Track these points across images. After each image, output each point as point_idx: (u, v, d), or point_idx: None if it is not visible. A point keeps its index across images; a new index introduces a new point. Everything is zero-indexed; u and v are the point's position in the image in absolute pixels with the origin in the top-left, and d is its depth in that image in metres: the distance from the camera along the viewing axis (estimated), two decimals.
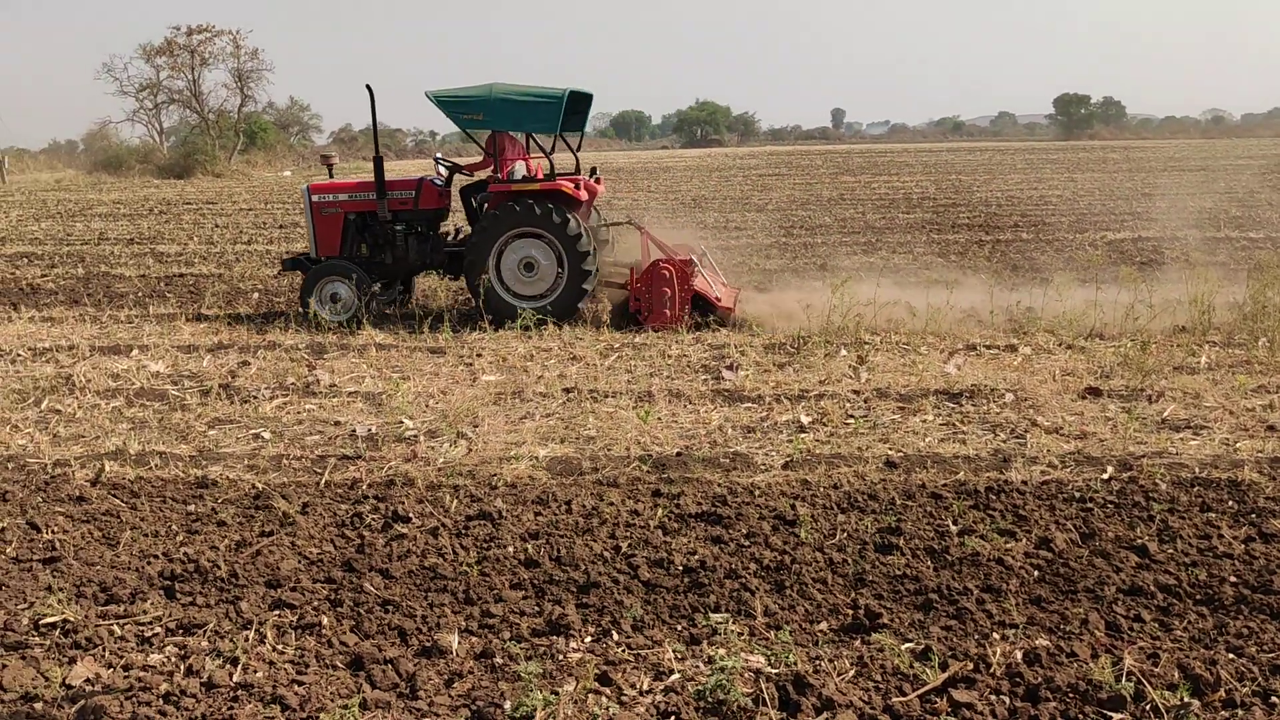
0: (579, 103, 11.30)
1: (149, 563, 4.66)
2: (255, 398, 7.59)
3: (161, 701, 3.52)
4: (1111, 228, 18.52)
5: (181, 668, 3.76)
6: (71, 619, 4.11)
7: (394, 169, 59.25)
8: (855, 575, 4.44)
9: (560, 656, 3.81)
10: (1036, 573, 4.43)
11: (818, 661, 3.72)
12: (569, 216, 10.10)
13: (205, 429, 6.88)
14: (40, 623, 4.09)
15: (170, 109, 56.38)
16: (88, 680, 3.67)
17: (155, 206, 27.94)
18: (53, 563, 4.66)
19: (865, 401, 7.24)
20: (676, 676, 3.63)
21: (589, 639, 3.95)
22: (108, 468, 5.97)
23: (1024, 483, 5.52)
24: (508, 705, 3.45)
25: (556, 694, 3.50)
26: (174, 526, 5.14)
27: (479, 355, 8.90)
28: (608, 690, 3.57)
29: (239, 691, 3.59)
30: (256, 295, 12.56)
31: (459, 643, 3.90)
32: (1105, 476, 5.60)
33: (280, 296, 12.41)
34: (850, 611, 4.11)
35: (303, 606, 4.23)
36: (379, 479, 5.80)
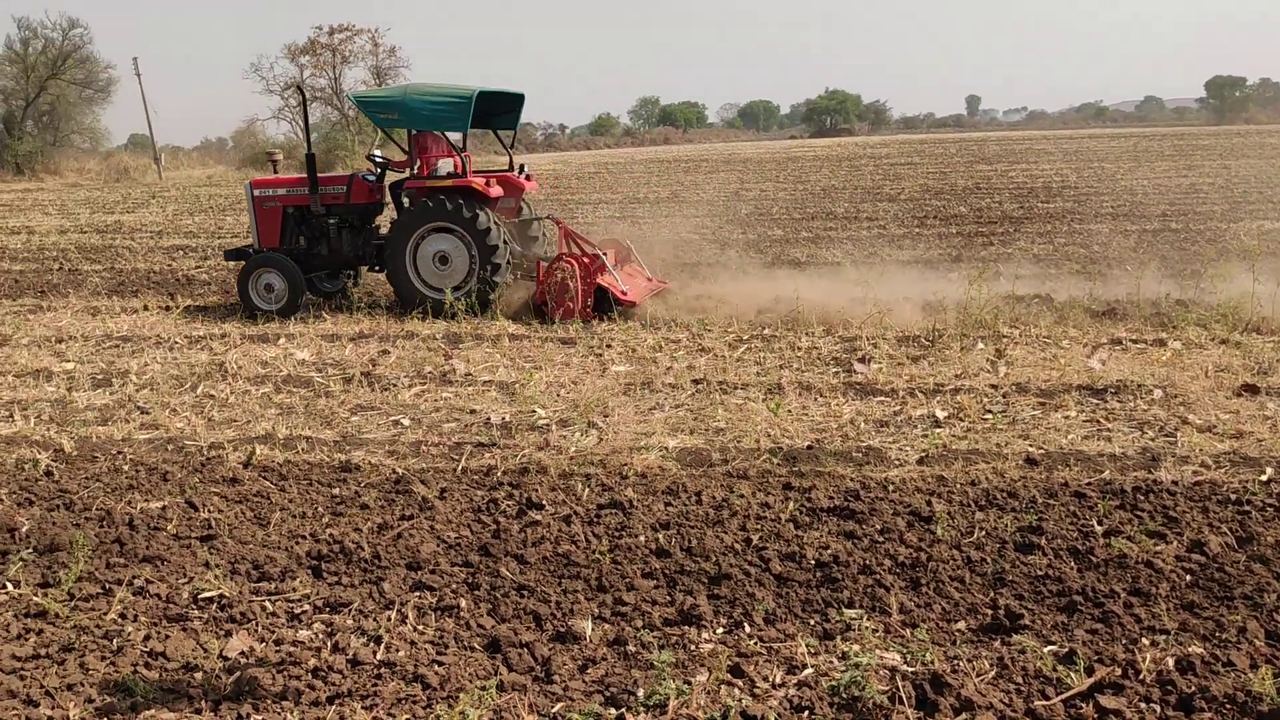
0: (509, 102, 11.82)
1: (297, 543, 4.86)
2: (395, 385, 7.82)
3: (310, 676, 3.66)
4: (1270, 216, 17.55)
5: (328, 644, 3.91)
6: (227, 594, 4.32)
7: (525, 161, 60.22)
8: (994, 574, 4.33)
9: (692, 647, 3.82)
10: (1189, 577, 4.24)
11: (956, 661, 3.64)
12: (479, 212, 10.41)
13: (348, 415, 7.12)
14: (199, 597, 4.31)
15: (313, 106, 58.47)
16: (242, 653, 3.85)
17: None
18: (209, 540, 4.90)
19: (1004, 396, 7.04)
20: (810, 671, 3.61)
21: (720, 630, 3.95)
22: (258, 451, 6.24)
23: (1174, 483, 5.28)
24: (641, 693, 3.48)
25: (689, 684, 3.51)
26: (320, 508, 5.34)
27: (609, 346, 8.99)
28: (740, 682, 3.56)
29: (382, 669, 3.71)
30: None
31: (592, 629, 3.95)
32: (1264, 478, 5.32)
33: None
34: (989, 611, 4.00)
35: (442, 589, 4.35)
36: (513, 466, 5.91)
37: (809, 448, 6.04)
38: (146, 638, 3.97)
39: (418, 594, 4.32)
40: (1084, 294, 10.38)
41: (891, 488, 5.34)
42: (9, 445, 6.48)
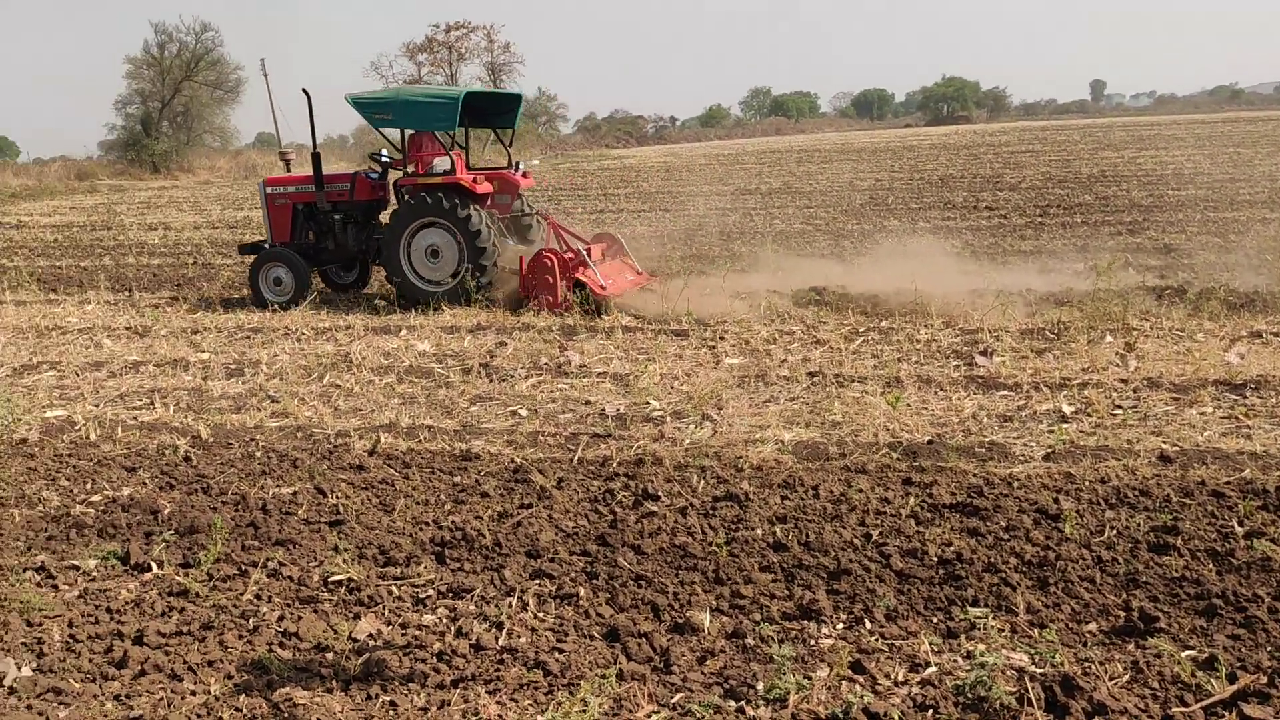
0: (507, 102, 12.50)
1: (421, 529, 4.98)
2: (512, 376, 7.95)
3: (435, 659, 3.75)
4: None
5: (452, 629, 4.00)
6: (355, 578, 4.45)
7: (635, 154, 60.39)
8: (1127, 575, 4.17)
9: (812, 641, 3.79)
10: None
11: (1087, 664, 3.52)
12: (467, 208, 10.85)
13: (467, 405, 7.27)
14: (329, 580, 4.46)
15: None
16: (370, 635, 3.97)
17: None
18: (337, 525, 5.06)
19: (1134, 391, 6.78)
20: (933, 670, 3.54)
21: (841, 626, 3.91)
22: (382, 439, 6.41)
23: None
24: (760, 686, 3.46)
25: (809, 679, 3.49)
26: (442, 496, 5.46)
27: (722, 338, 8.96)
28: (861, 679, 3.52)
29: (504, 655, 3.78)
30: (515, 279, 13.08)
31: (710, 621, 3.95)
32: None
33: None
34: (1122, 613, 3.87)
35: (561, 577, 4.40)
36: (628, 457, 5.95)
37: (929, 442, 5.93)
38: (280, 618, 4.12)
39: (537, 581, 4.39)
40: (1220, 285, 9.94)
41: (1016, 484, 5.20)
42: (150, 431, 6.80)
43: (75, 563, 4.72)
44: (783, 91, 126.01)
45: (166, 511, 5.26)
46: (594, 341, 9.07)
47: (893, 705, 3.32)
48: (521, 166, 12.00)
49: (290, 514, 5.20)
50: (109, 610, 4.25)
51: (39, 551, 4.86)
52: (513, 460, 5.97)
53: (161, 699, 3.54)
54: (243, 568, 4.59)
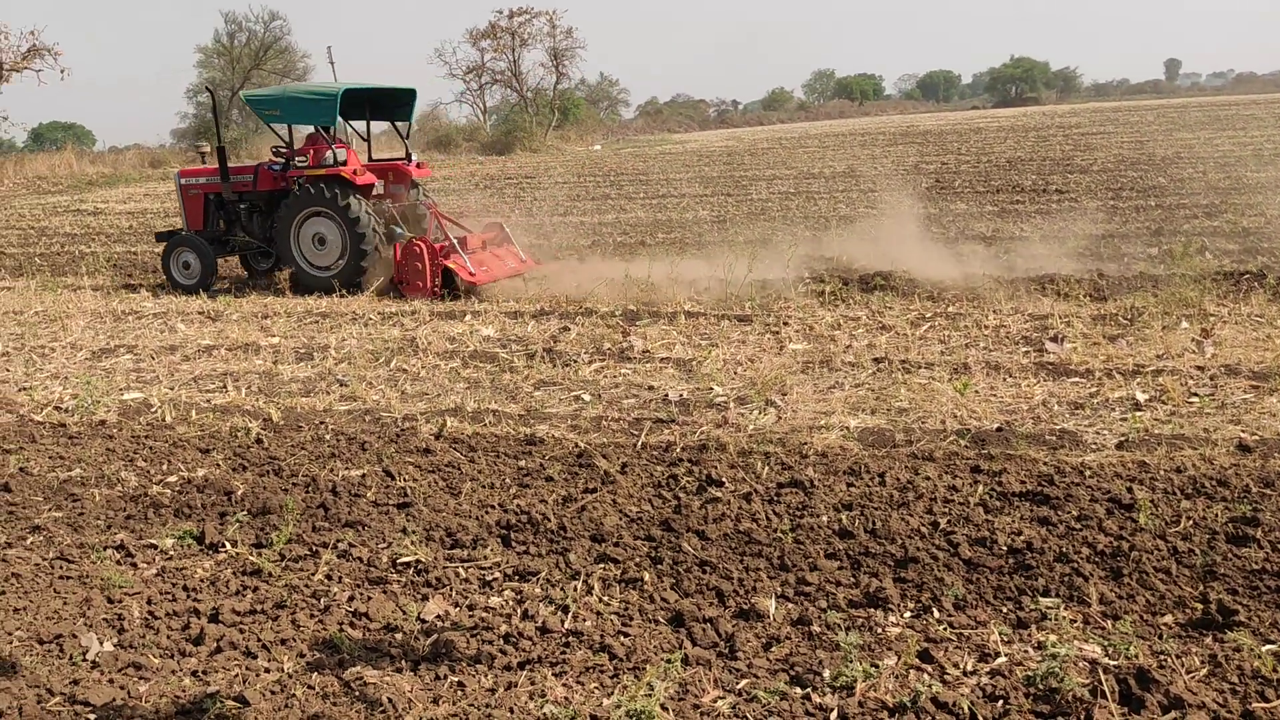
0: (403, 97, 13.11)
1: (487, 512, 5.03)
2: (575, 362, 7.98)
3: (502, 641, 3.79)
4: None
5: (518, 611, 4.04)
6: (423, 560, 4.51)
7: (697, 138, 60.19)
8: (1204, 567, 4.07)
9: (879, 630, 3.76)
10: None
11: (1162, 657, 3.45)
12: (348, 198, 11.48)
13: (531, 390, 7.31)
14: (397, 561, 4.52)
15: (493, 89, 60.19)
16: (438, 616, 4.02)
17: (480, 182, 29.94)
18: (405, 508, 5.13)
19: (1211, 379, 6.61)
20: (1003, 660, 3.49)
21: (908, 614, 3.87)
22: (448, 423, 6.48)
23: None
24: (826, 674, 3.44)
25: (876, 667, 3.46)
26: (507, 480, 5.50)
27: (785, 324, 8.90)
28: (929, 668, 3.48)
29: (570, 638, 3.80)
30: (572, 263, 13.14)
31: (775, 608, 3.94)
32: None
33: (590, 264, 12.92)
34: (1199, 605, 3.78)
35: (625, 561, 4.42)
36: (692, 443, 5.94)
37: (998, 430, 5.84)
38: (350, 598, 4.19)
39: (602, 566, 4.41)
40: None
41: (1089, 473, 5.10)
42: (224, 414, 6.94)
43: (153, 541, 4.84)
44: (846, 74, 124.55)
45: (240, 492, 5.38)
46: (656, 327, 9.07)
47: (962, 695, 3.28)
48: (415, 158, 12.74)
49: (359, 496, 5.28)
50: (185, 588, 4.36)
51: (118, 530, 5.00)
52: (576, 445, 6.00)
53: (237, 675, 3.62)
54: (314, 548, 4.68)
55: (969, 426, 5.95)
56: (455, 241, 11.24)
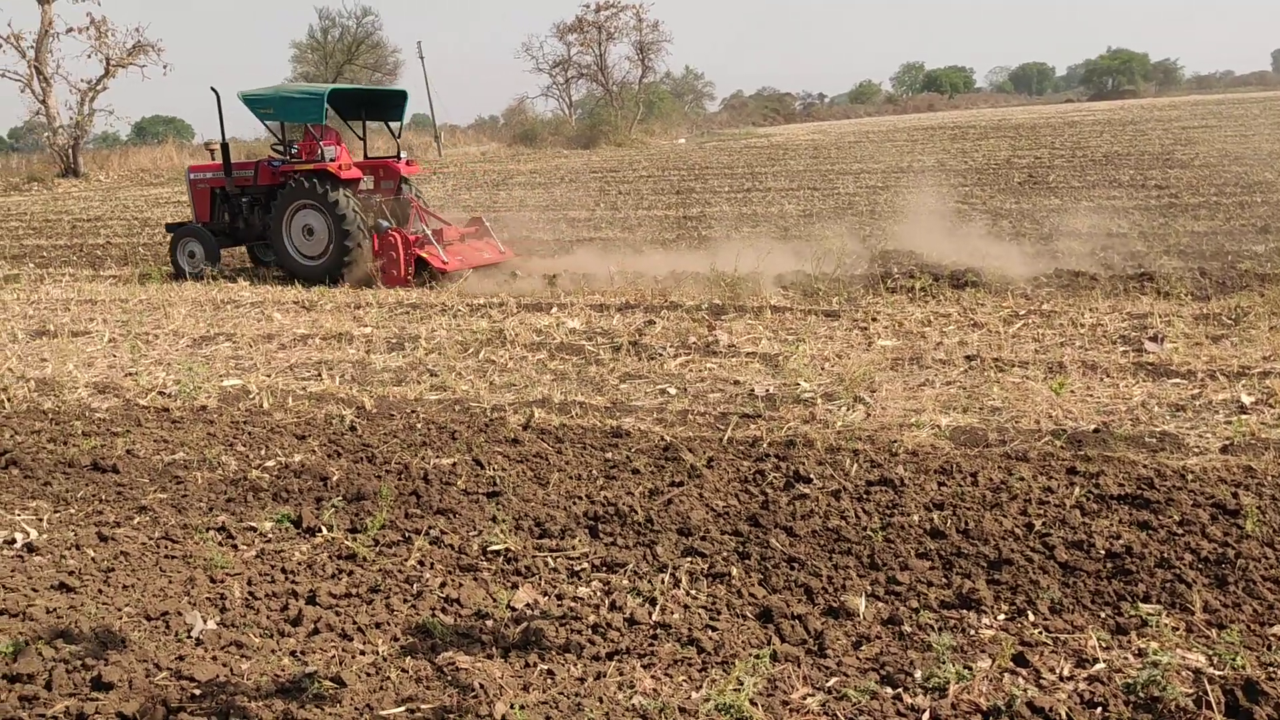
0: (394, 98, 14.08)
1: (574, 503, 5.07)
2: (660, 355, 7.99)
3: (590, 631, 3.82)
4: None
5: (606, 602, 4.07)
6: (512, 548, 4.57)
7: (782, 132, 59.73)
8: None
9: (971, 631, 3.70)
10: None
11: (1272, 669, 3.33)
12: (336, 191, 12.11)
13: (617, 383, 7.35)
14: (487, 549, 4.58)
15: (579, 83, 60.55)
16: (528, 605, 4.07)
17: (565, 175, 30.17)
18: (494, 497, 5.19)
19: None
20: (1101, 666, 3.41)
21: (1002, 617, 3.80)
22: (536, 414, 6.55)
23: None
24: (918, 674, 3.40)
25: (970, 669, 3.41)
26: (594, 471, 5.54)
27: (874, 320, 8.80)
28: (1024, 672, 3.42)
29: (658, 630, 3.81)
30: (657, 257, 13.16)
31: (865, 606, 3.90)
32: None
33: (675, 258, 12.92)
34: None
35: (713, 555, 4.41)
36: (779, 438, 5.91)
37: (1095, 431, 5.69)
38: (442, 584, 4.26)
39: (689, 559, 4.41)
40: None
41: (1191, 477, 4.94)
42: (319, 401, 7.11)
43: (253, 524, 4.99)
44: (936, 66, 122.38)
45: (335, 478, 5.50)
46: (742, 321, 9.04)
47: (1059, 700, 3.21)
48: (404, 155, 13.46)
49: (450, 484, 5.37)
50: (284, 570, 4.48)
51: (220, 512, 5.16)
52: (662, 438, 6.01)
53: (334, 656, 3.71)
54: (406, 535, 4.77)
55: (1064, 427, 5.81)
56: (430, 233, 12.09)
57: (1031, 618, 3.78)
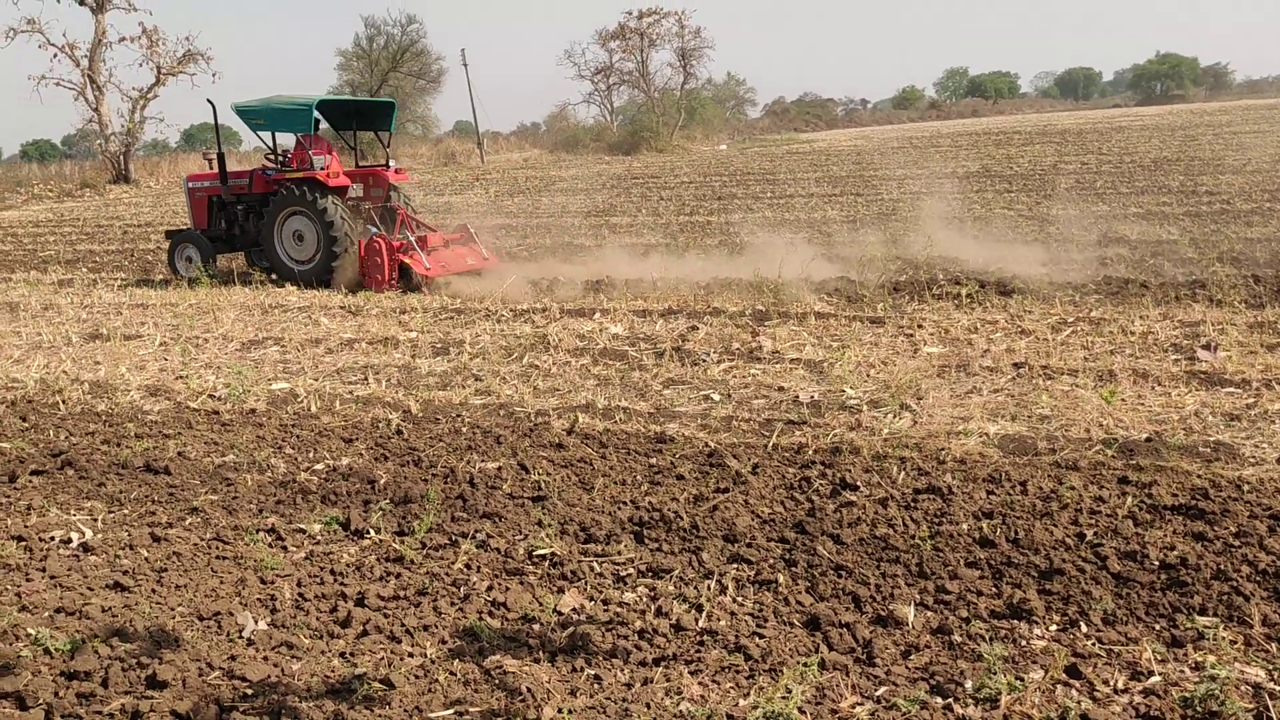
0: (383, 109, 14.48)
1: (619, 508, 5.07)
2: (704, 360, 7.98)
3: (637, 637, 3.82)
4: None
5: (652, 608, 4.06)
6: (558, 553, 4.58)
7: (825, 138, 59.52)
8: None
9: (1023, 642, 3.66)
10: None
11: None
12: (325, 198, 12.68)
13: (661, 388, 7.34)
14: (533, 553, 4.60)
15: (620, 89, 60.75)
16: (574, 609, 4.08)
17: (607, 181, 30.24)
18: (540, 501, 5.21)
19: None
20: (1157, 679, 3.35)
21: (1054, 627, 3.75)
22: (580, 419, 6.56)
23: None
24: (969, 684, 3.37)
25: (1021, 680, 3.36)
26: (638, 477, 5.54)
27: (920, 326, 8.73)
28: (1077, 683, 3.37)
29: (704, 637, 3.81)
30: (699, 262, 13.14)
31: (914, 615, 3.87)
32: None
33: (716, 263, 12.91)
34: None
35: (759, 563, 4.40)
36: (824, 445, 5.87)
37: (1147, 440, 5.61)
38: (489, 588, 4.29)
39: (735, 566, 4.40)
40: None
41: (1247, 488, 4.85)
42: (366, 405, 7.18)
43: (302, 526, 5.04)
44: (980, 71, 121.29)
45: (382, 481, 5.55)
46: (786, 327, 9.00)
47: (1113, 713, 3.17)
48: (393, 164, 13.96)
49: (495, 488, 5.39)
50: (333, 572, 4.52)
51: (269, 514, 5.22)
52: (707, 444, 6.00)
53: (382, 658, 3.74)
54: (453, 538, 4.80)
55: (1116, 436, 5.73)
56: (414, 240, 12.56)
57: (1084, 629, 3.73)
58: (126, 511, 5.35)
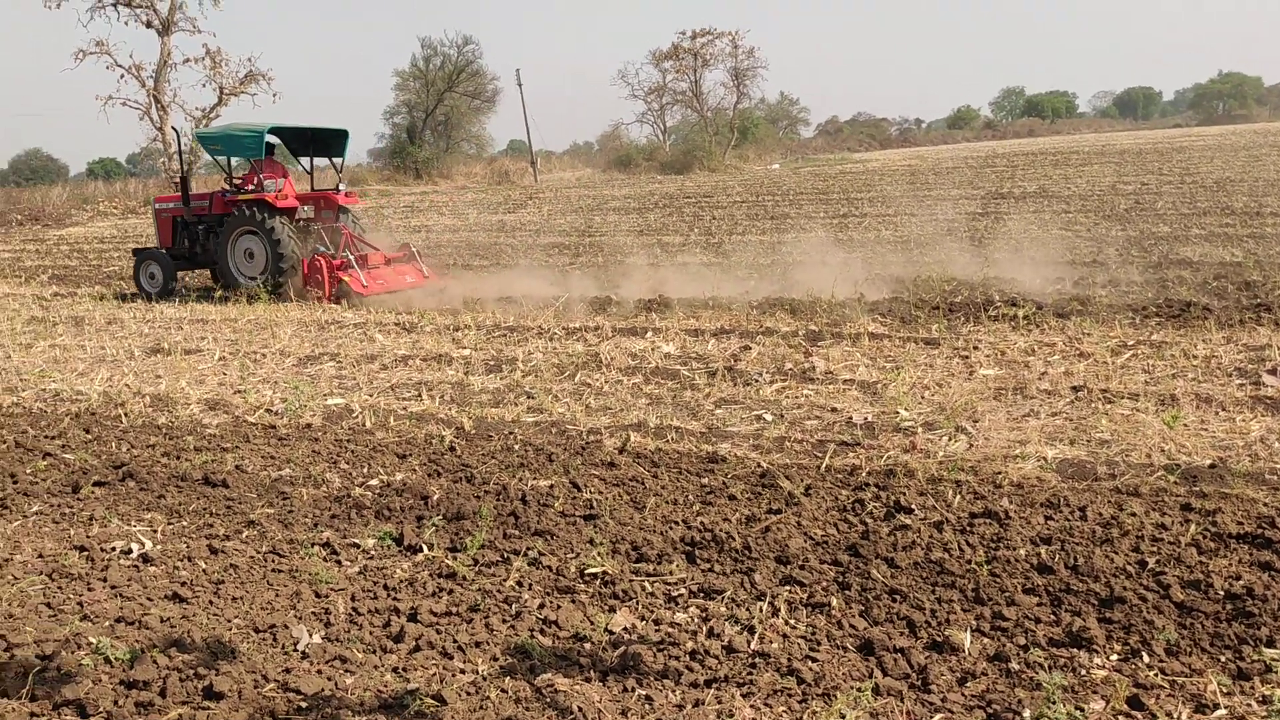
0: (336, 136, 15.28)
1: (671, 528, 5.06)
2: (756, 381, 7.95)
3: (688, 657, 3.80)
4: None
5: (704, 629, 4.04)
6: (610, 572, 4.57)
7: (878, 157, 59.25)
8: None
9: (1083, 671, 3.58)
10: None
11: None
12: (272, 219, 13.76)
13: (713, 408, 7.32)
14: (585, 572, 4.60)
15: (673, 109, 60.94)
16: (625, 629, 4.06)
17: (659, 200, 30.32)
18: (591, 519, 5.21)
19: None
20: (1223, 713, 3.27)
21: (1115, 657, 3.67)
22: (632, 438, 6.56)
23: None
24: (1027, 714, 3.30)
25: (1081, 710, 3.30)
26: (690, 496, 5.52)
27: (975, 348, 8.63)
28: (1139, 715, 3.29)
29: (756, 659, 3.78)
30: (753, 282, 13.10)
31: (971, 641, 3.81)
32: None
33: (768, 283, 12.86)
34: None
35: (812, 585, 4.36)
36: (878, 468, 5.82)
37: (1211, 466, 5.48)
38: (541, 605, 4.29)
39: (788, 588, 4.36)
40: None
41: None
42: (419, 421, 7.24)
43: (356, 541, 5.09)
44: (1037, 91, 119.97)
45: (435, 497, 5.59)
46: (839, 348, 8.94)
47: None
48: (343, 188, 15.01)
49: (547, 506, 5.41)
50: (386, 587, 4.56)
51: (324, 528, 5.28)
52: (759, 465, 5.97)
53: (435, 674, 3.76)
54: (505, 555, 4.82)
55: (1178, 462, 5.61)
56: (353, 259, 13.56)
57: (1146, 659, 3.64)
58: (185, 523, 5.44)
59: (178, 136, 16.19)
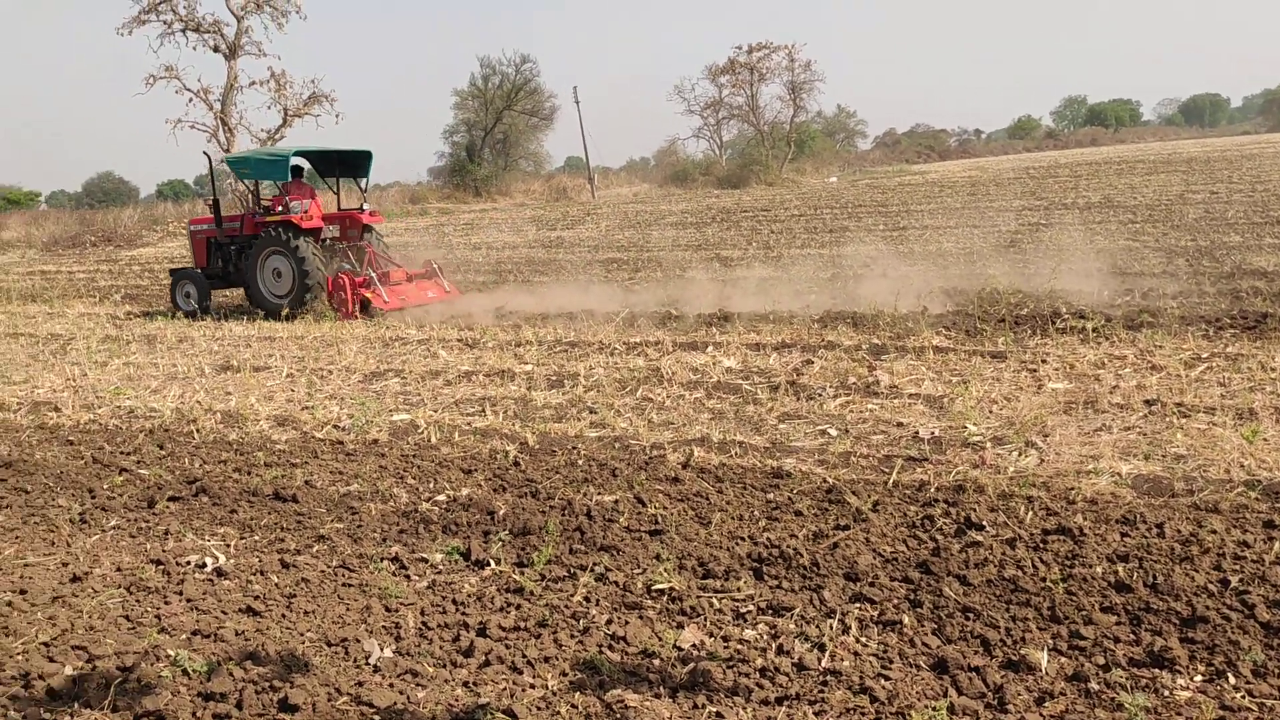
0: (359, 158, 15.81)
1: (737, 544, 5.03)
2: (819, 395, 7.89)
3: (758, 675, 3.77)
4: None
5: (773, 646, 4.01)
6: (677, 588, 4.56)
7: (938, 169, 58.64)
8: None
9: (1165, 692, 3.49)
10: None
11: None
12: (298, 239, 14.23)
13: (776, 422, 7.28)
14: (652, 588, 4.59)
15: (730, 123, 60.98)
16: (694, 645, 4.04)
17: (717, 215, 30.30)
18: (657, 535, 5.20)
19: None
20: None
21: (1199, 678, 3.57)
22: (695, 453, 6.54)
23: None
24: None
25: None
26: (756, 512, 5.49)
27: (1044, 361, 8.48)
28: None
29: (827, 677, 3.73)
30: (813, 296, 13.03)
31: (1048, 661, 3.73)
32: None
33: (829, 296, 12.78)
34: None
35: (882, 602, 4.30)
36: (947, 483, 5.73)
37: None
38: (608, 621, 4.29)
39: (858, 605, 4.31)
40: None
41: None
42: (484, 437, 7.29)
43: (424, 555, 5.13)
44: (1100, 99, 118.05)
45: (501, 512, 5.62)
46: (904, 362, 8.85)
47: None
48: (367, 207, 15.51)
49: (613, 521, 5.41)
50: (455, 602, 4.58)
51: (393, 543, 5.33)
52: (825, 480, 5.91)
53: (505, 689, 3.77)
54: (571, 570, 4.82)
55: (1259, 478, 5.45)
56: (375, 276, 14.23)
57: (1232, 680, 3.54)
58: (257, 538, 5.53)
59: (209, 161, 16.64)
